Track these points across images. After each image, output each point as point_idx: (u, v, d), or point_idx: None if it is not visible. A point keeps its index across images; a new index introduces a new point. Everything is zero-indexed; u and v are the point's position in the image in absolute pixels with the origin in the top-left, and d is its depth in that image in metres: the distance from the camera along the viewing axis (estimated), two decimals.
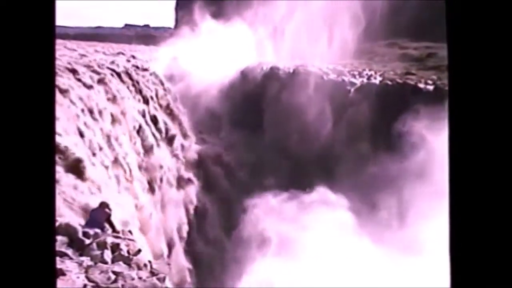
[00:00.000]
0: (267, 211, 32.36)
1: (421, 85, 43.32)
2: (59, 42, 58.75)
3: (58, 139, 21.33)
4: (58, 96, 27.23)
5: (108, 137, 30.74)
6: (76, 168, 21.44)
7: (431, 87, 42.61)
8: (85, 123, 27.97)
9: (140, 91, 39.64)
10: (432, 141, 30.93)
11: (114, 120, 32.74)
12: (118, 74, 37.75)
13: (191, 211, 38.58)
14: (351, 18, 50.70)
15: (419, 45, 61.53)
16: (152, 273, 12.93)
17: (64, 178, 19.94)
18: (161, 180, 36.24)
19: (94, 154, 26.55)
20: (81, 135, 26.47)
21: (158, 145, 37.98)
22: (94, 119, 30.05)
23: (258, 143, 43.52)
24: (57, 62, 32.09)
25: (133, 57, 48.47)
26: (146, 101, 39.90)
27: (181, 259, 35.01)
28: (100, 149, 28.30)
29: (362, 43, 49.74)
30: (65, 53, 42.66)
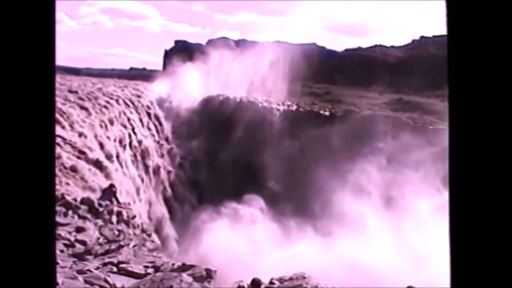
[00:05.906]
0: None
1: (321, 112, 45.73)
2: (85, 79, 57.36)
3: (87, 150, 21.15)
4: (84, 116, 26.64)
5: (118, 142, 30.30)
6: (97, 164, 21.00)
7: (327, 113, 45.32)
8: (102, 136, 27.44)
9: (138, 112, 39.03)
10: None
11: (121, 132, 32.16)
12: (124, 100, 37.16)
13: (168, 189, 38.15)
14: (279, 70, 51.17)
15: (321, 86, 63.43)
16: (143, 231, 12.91)
17: (87, 169, 19.46)
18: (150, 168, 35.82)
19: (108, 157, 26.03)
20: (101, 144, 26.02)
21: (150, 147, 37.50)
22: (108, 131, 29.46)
23: (217, 143, 43.09)
24: (80, 92, 31.47)
25: (136, 89, 47.29)
26: (141, 118, 39.26)
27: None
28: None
29: (285, 85, 50.26)
30: (89, 85, 41.86)
